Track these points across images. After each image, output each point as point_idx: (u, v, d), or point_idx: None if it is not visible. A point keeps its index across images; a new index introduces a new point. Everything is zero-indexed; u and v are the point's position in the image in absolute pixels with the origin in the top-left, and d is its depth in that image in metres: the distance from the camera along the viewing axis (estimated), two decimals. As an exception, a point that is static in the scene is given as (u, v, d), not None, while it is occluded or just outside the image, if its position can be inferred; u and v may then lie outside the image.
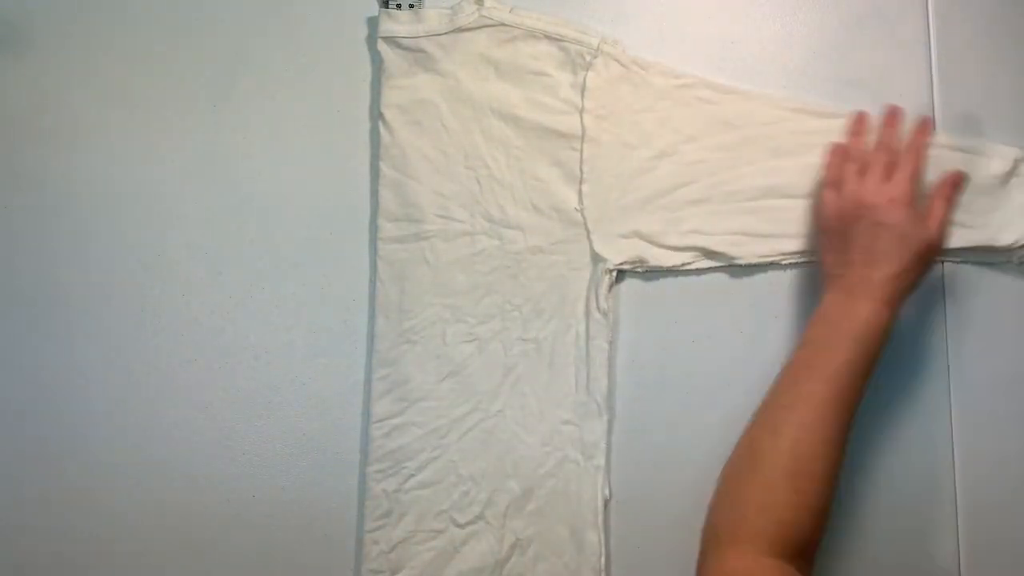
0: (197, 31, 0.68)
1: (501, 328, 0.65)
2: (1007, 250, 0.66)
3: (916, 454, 0.66)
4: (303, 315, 0.67)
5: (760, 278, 0.68)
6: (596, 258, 0.65)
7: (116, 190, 0.67)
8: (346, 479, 0.65)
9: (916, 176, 0.60)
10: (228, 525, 0.65)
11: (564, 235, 0.66)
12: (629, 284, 0.67)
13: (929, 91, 0.70)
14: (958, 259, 0.67)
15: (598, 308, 0.64)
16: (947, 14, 0.70)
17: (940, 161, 0.65)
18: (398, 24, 0.66)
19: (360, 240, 0.67)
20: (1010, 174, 0.67)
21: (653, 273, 0.67)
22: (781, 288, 0.67)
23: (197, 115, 0.68)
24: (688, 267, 0.66)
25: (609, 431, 0.64)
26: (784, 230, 0.66)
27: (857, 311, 0.54)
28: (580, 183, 0.66)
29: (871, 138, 0.64)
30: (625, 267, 0.66)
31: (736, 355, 0.67)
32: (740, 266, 0.67)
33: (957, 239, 0.66)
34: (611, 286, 0.66)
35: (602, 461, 0.63)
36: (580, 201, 0.66)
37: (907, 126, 0.64)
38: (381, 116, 0.66)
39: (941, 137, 0.68)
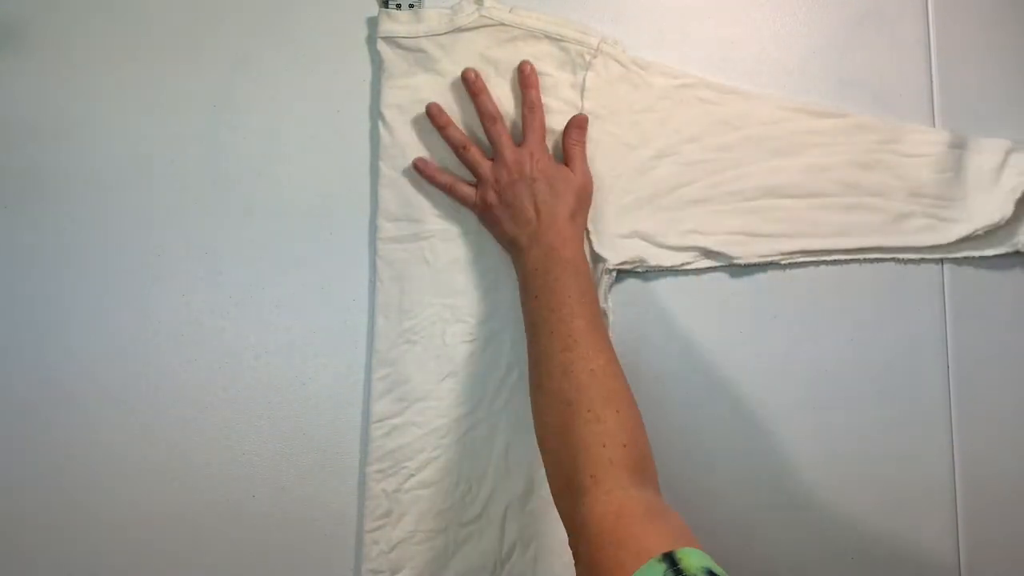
0: (197, 31, 0.68)
1: (501, 328, 0.65)
2: (1005, 235, 0.66)
3: (916, 454, 0.66)
4: (303, 315, 0.67)
5: (760, 278, 0.68)
6: (596, 258, 0.65)
7: (116, 190, 0.67)
8: (346, 479, 0.65)
9: (542, 128, 0.65)
10: (228, 525, 0.65)
11: (564, 235, 0.66)
12: (629, 284, 0.67)
13: (929, 91, 0.70)
14: (959, 254, 0.67)
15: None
16: (947, 14, 0.70)
17: (934, 160, 0.65)
18: (398, 24, 0.66)
19: (360, 240, 0.67)
20: (1002, 165, 0.67)
21: (653, 273, 0.67)
22: (781, 288, 0.68)
23: (197, 115, 0.68)
24: (688, 267, 0.66)
25: (609, 431, 0.64)
26: (784, 230, 0.66)
27: (559, 254, 0.59)
28: (580, 183, 0.66)
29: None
30: (625, 267, 0.66)
31: (736, 355, 0.67)
32: (740, 266, 0.67)
33: (956, 232, 0.65)
34: (611, 286, 0.66)
35: (602, 461, 0.63)
36: (580, 201, 0.66)
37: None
38: (381, 116, 0.66)
39: (934, 135, 0.68)
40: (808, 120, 0.67)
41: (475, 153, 0.64)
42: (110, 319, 0.66)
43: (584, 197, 0.64)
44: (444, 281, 0.65)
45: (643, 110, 0.67)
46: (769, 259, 0.66)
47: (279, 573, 0.65)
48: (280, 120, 0.68)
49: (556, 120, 0.66)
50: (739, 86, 0.68)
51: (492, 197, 0.63)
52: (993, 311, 0.68)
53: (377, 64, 0.67)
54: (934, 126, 0.69)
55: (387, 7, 0.66)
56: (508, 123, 0.66)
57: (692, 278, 0.67)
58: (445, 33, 0.65)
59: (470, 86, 0.65)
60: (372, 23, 0.68)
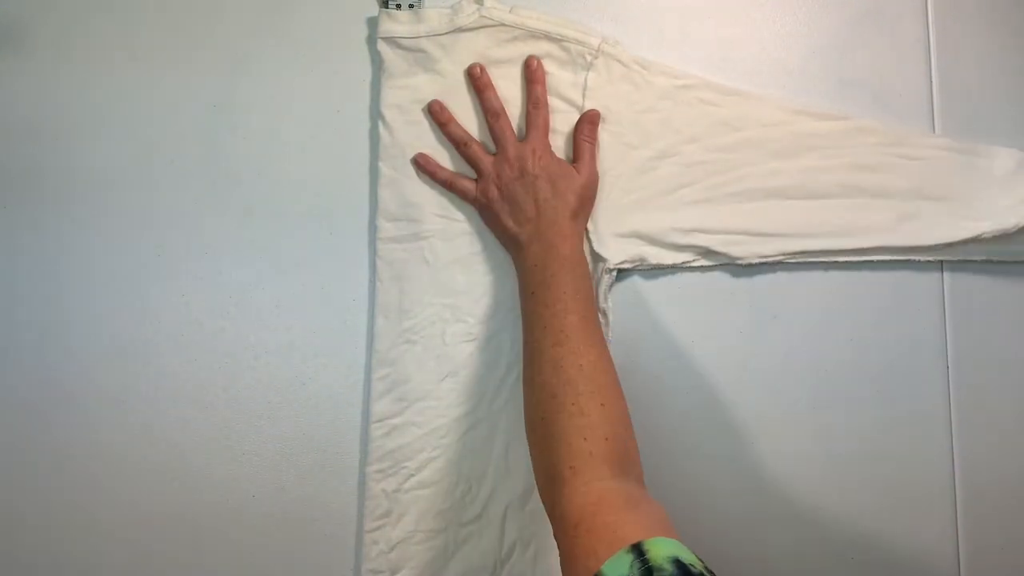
0: (197, 31, 0.68)
1: (501, 328, 0.65)
2: (1008, 237, 0.66)
3: (916, 455, 0.66)
4: (303, 315, 0.67)
5: (760, 278, 0.68)
6: (596, 258, 0.65)
7: (116, 190, 0.67)
8: (346, 479, 0.65)
9: (546, 125, 0.65)
10: (228, 525, 0.65)
11: (564, 235, 0.66)
12: (629, 284, 0.67)
13: (929, 91, 0.70)
14: (961, 257, 0.67)
15: (598, 307, 0.64)
16: (947, 14, 0.70)
17: (941, 163, 0.65)
18: (398, 24, 0.66)
19: (360, 240, 0.67)
20: (1013, 173, 0.67)
21: (653, 273, 0.67)
22: (781, 288, 0.68)
23: (197, 115, 0.68)
24: (688, 265, 0.66)
25: (609, 431, 0.64)
26: (784, 230, 0.66)
27: (558, 251, 0.59)
28: (580, 183, 0.66)
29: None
30: (625, 266, 0.66)
31: (736, 355, 0.67)
32: (740, 266, 0.67)
33: (961, 231, 0.65)
34: (611, 286, 0.66)
35: (602, 461, 0.63)
36: (580, 201, 0.66)
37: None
38: (381, 116, 0.66)
39: (937, 140, 0.68)
40: (809, 122, 0.67)
41: (477, 149, 0.64)
42: (110, 319, 0.66)
43: (587, 196, 0.64)
44: (444, 281, 0.65)
45: (644, 110, 0.67)
46: (769, 259, 0.66)
47: (279, 573, 0.65)
48: (280, 120, 0.68)
49: (557, 120, 0.66)
50: (740, 87, 0.68)
51: (493, 192, 0.63)
52: (993, 312, 0.68)
53: (377, 64, 0.67)
54: (934, 125, 0.69)
55: (387, 7, 0.66)
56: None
57: (692, 278, 0.67)
58: (445, 33, 0.65)
59: (475, 81, 0.65)
60: (372, 23, 0.68)
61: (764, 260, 0.66)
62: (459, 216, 0.66)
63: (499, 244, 0.65)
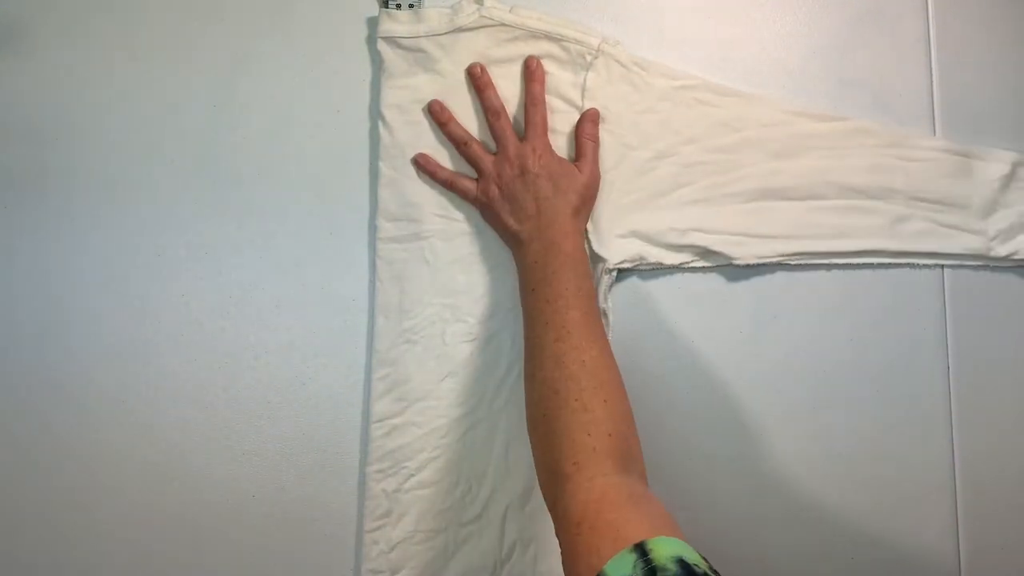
0: (197, 31, 0.68)
1: (500, 328, 0.65)
2: (1004, 258, 0.67)
3: (916, 454, 0.66)
4: (303, 315, 0.67)
5: (760, 278, 0.68)
6: (595, 258, 0.65)
7: (116, 190, 0.67)
8: (346, 479, 0.65)
9: (544, 123, 0.65)
10: (228, 525, 0.65)
11: (564, 235, 0.66)
12: (629, 284, 0.67)
13: (929, 91, 0.70)
14: (955, 263, 0.67)
15: (598, 307, 0.64)
16: (947, 14, 0.70)
17: (938, 166, 0.65)
18: (398, 24, 0.66)
19: (360, 240, 0.67)
20: (1009, 178, 0.67)
21: (653, 273, 0.67)
22: (781, 288, 0.68)
23: (197, 115, 0.68)
24: (688, 266, 0.66)
25: (609, 431, 0.64)
26: (783, 231, 0.66)
27: (559, 248, 0.59)
28: (580, 183, 0.66)
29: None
30: (625, 266, 0.66)
31: (735, 355, 0.67)
32: (739, 266, 0.67)
33: (955, 244, 0.66)
34: (611, 286, 0.66)
35: (602, 461, 0.63)
36: (580, 201, 0.66)
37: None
38: (381, 116, 0.66)
39: (936, 142, 0.68)
40: (808, 123, 0.68)
41: (477, 148, 0.65)
42: (110, 319, 0.66)
43: (588, 195, 0.64)
44: (444, 281, 0.65)
45: (643, 111, 0.67)
46: (768, 260, 0.66)
47: (279, 573, 0.65)
48: (280, 120, 0.68)
49: (556, 120, 0.66)
50: (739, 87, 0.68)
51: (494, 191, 0.63)
52: (993, 312, 0.68)
53: (377, 64, 0.67)
54: (934, 125, 0.69)
55: (387, 7, 0.66)
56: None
57: (692, 279, 0.67)
58: (445, 33, 0.65)
59: (476, 80, 0.65)
60: (372, 23, 0.68)
61: (762, 261, 0.66)
62: (459, 216, 0.66)
63: (499, 244, 0.65)
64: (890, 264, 0.67)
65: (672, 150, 0.67)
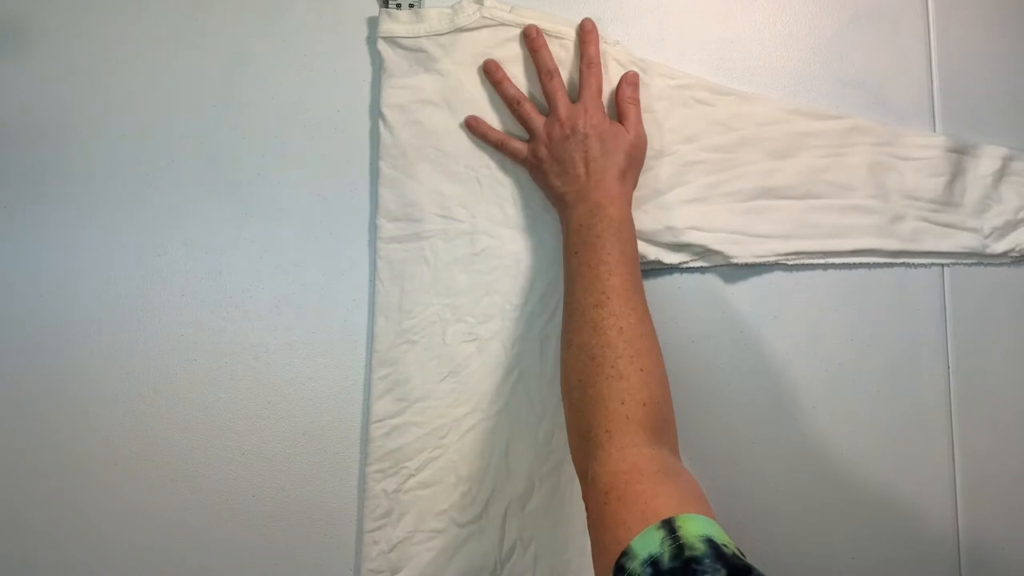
0: (197, 31, 0.68)
1: (501, 328, 0.65)
2: (1001, 255, 0.67)
3: (916, 454, 0.67)
4: (303, 315, 0.67)
5: (759, 278, 0.68)
6: (596, 258, 0.65)
7: (115, 189, 0.67)
8: (346, 479, 0.65)
9: (599, 87, 0.65)
10: (228, 525, 0.65)
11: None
12: (629, 284, 0.67)
13: (929, 91, 0.70)
14: (952, 261, 0.67)
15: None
16: (947, 14, 0.71)
17: (929, 164, 0.65)
18: (398, 24, 0.66)
19: (360, 240, 0.67)
20: (1001, 172, 0.67)
21: (653, 273, 0.67)
22: (779, 288, 0.68)
23: (197, 115, 0.68)
24: (686, 265, 0.66)
25: (609, 431, 0.64)
26: (780, 231, 0.66)
27: (605, 211, 0.59)
28: (580, 183, 0.66)
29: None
30: (625, 267, 0.66)
31: (735, 355, 0.67)
32: (738, 266, 0.67)
33: (951, 243, 0.66)
34: (611, 286, 0.65)
35: (602, 461, 0.63)
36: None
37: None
38: (381, 116, 0.66)
39: (932, 139, 0.68)
40: (805, 122, 0.68)
41: (529, 108, 0.65)
42: (110, 319, 0.66)
43: (636, 156, 0.64)
44: (444, 281, 0.65)
45: (642, 110, 0.67)
46: (766, 259, 0.66)
47: (279, 573, 0.65)
48: (280, 120, 0.68)
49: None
50: (738, 87, 0.68)
51: (543, 152, 0.63)
52: (994, 311, 0.68)
53: (377, 64, 0.67)
54: (934, 126, 0.69)
55: (387, 7, 0.66)
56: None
57: (692, 278, 0.67)
58: (446, 33, 0.65)
59: (531, 42, 0.65)
60: (372, 23, 0.68)
61: (759, 260, 0.66)
62: (459, 216, 0.66)
63: (500, 243, 0.65)
64: (888, 264, 0.67)
65: (670, 149, 0.67)
